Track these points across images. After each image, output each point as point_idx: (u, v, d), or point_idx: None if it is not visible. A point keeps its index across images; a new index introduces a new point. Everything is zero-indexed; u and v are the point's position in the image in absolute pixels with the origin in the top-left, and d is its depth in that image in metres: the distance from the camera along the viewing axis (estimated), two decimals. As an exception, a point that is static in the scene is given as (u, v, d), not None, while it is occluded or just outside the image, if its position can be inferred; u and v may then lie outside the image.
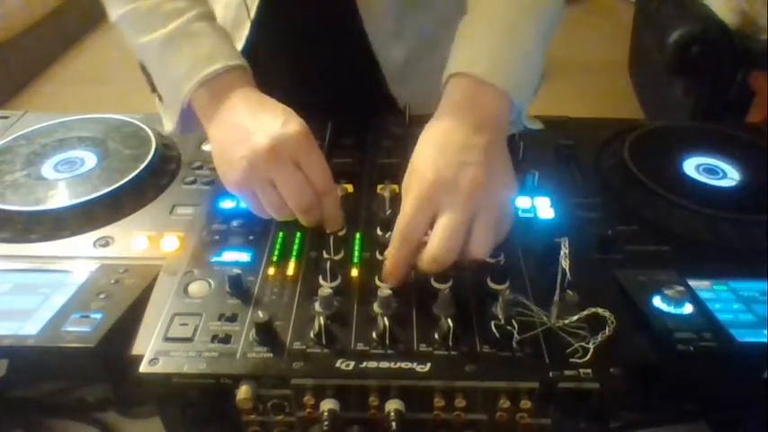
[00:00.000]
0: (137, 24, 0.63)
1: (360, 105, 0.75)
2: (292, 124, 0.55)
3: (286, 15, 0.81)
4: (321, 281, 0.52)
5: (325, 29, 0.81)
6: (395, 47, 0.81)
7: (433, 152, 0.51)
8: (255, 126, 0.55)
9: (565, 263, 0.51)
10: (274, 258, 0.55)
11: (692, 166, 0.69)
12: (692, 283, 0.52)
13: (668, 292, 0.49)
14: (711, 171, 0.68)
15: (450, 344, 0.47)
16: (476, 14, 0.60)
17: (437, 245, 0.48)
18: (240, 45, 0.79)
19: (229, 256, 0.56)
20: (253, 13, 0.77)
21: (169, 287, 0.53)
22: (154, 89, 0.66)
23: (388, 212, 0.60)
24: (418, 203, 0.49)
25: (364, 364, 0.45)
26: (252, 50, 0.77)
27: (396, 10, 0.79)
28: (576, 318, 0.47)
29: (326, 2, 0.79)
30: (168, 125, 0.66)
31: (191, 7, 0.62)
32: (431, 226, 0.50)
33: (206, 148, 0.72)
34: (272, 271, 0.54)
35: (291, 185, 0.54)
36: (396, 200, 0.61)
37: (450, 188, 0.49)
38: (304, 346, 0.47)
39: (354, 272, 0.54)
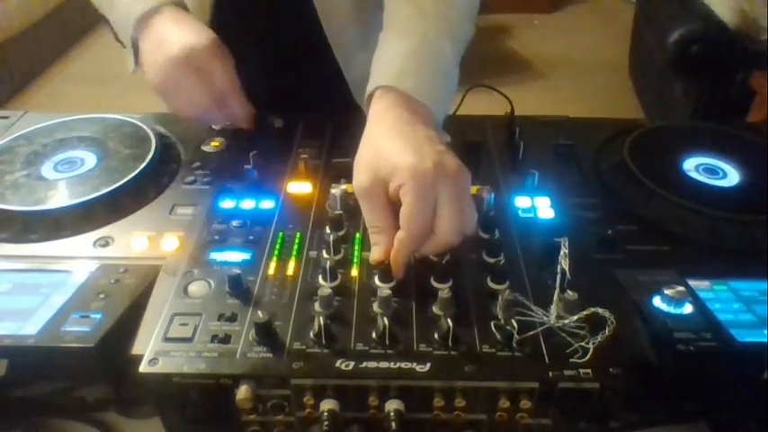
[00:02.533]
0: None
1: (323, 113, 0.77)
2: (204, 35, 0.67)
3: (245, 23, 0.82)
4: (321, 281, 0.52)
5: (287, 37, 0.83)
6: (359, 57, 0.81)
7: (412, 145, 0.52)
8: (172, 36, 0.66)
9: (565, 263, 0.51)
10: (274, 258, 0.55)
11: (692, 166, 0.69)
12: (692, 283, 0.52)
13: (668, 292, 0.49)
14: (711, 171, 0.68)
15: (450, 344, 0.47)
16: (396, 30, 0.64)
17: (448, 230, 0.50)
18: None
19: (229, 255, 0.56)
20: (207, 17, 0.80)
21: (169, 287, 0.53)
22: (117, 38, 0.73)
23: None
24: (422, 198, 0.49)
25: (364, 364, 0.45)
26: None
27: (358, 18, 0.80)
28: (575, 318, 0.47)
29: (287, 10, 0.81)
30: (130, 65, 0.72)
31: None
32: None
33: (206, 148, 0.73)
34: (271, 271, 0.54)
35: (199, 84, 0.66)
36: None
37: (444, 176, 0.50)
38: (304, 346, 0.47)
39: (354, 272, 0.54)
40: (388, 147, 0.52)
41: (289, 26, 0.83)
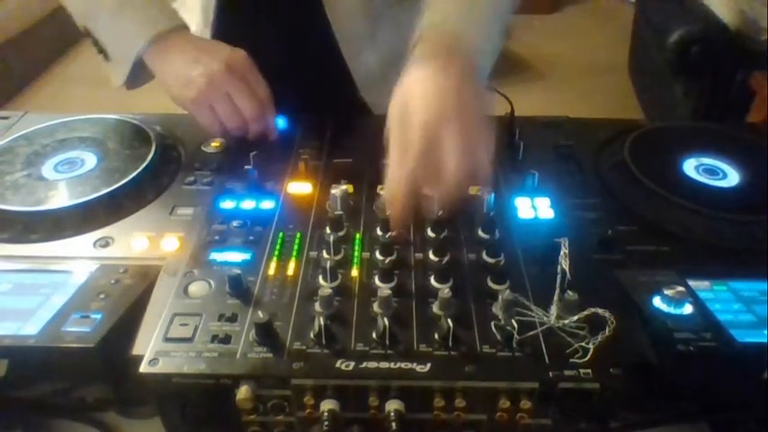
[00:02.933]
0: None
1: (328, 112, 0.77)
2: (237, 50, 0.69)
3: (249, 23, 0.82)
4: (321, 281, 0.52)
5: (293, 32, 0.83)
6: (367, 53, 0.82)
7: (434, 98, 0.55)
8: (207, 53, 0.68)
9: (565, 263, 0.51)
10: (274, 258, 0.55)
11: (691, 166, 0.69)
12: (692, 283, 0.52)
13: (668, 292, 0.49)
14: (711, 171, 0.68)
15: (450, 344, 0.47)
16: None
17: (457, 168, 0.52)
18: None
19: (229, 256, 0.56)
20: (212, 17, 0.81)
21: (169, 287, 0.53)
22: (99, 50, 0.73)
23: (388, 212, 0.60)
24: (425, 143, 0.52)
25: (364, 364, 0.45)
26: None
27: (366, 14, 0.80)
28: (576, 318, 0.47)
29: (294, 6, 0.82)
30: (118, 80, 0.73)
31: None
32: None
33: (206, 148, 0.73)
34: (272, 271, 0.54)
35: (245, 96, 0.67)
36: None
37: (450, 123, 0.53)
38: (304, 346, 0.47)
39: (354, 272, 0.54)
40: (415, 97, 0.55)
41: (295, 22, 0.83)
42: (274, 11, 0.83)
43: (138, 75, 0.72)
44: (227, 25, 0.82)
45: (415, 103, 0.55)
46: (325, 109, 0.76)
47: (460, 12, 0.64)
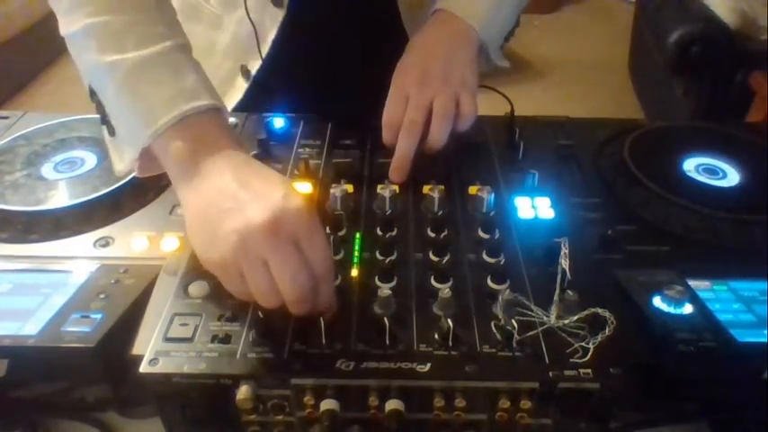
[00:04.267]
0: (107, 40, 0.54)
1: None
2: (294, 197, 0.47)
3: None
4: (321, 281, 0.52)
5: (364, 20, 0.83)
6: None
7: (419, 58, 0.67)
8: (250, 194, 0.47)
9: (565, 263, 0.51)
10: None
11: (691, 166, 0.69)
12: (692, 283, 0.52)
13: (668, 292, 0.49)
14: (711, 171, 0.68)
15: (450, 344, 0.47)
16: None
17: (442, 107, 0.63)
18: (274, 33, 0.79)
19: (229, 256, 0.55)
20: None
21: (169, 287, 0.53)
22: (104, 120, 0.57)
23: (388, 212, 0.60)
24: (419, 96, 0.63)
25: (364, 364, 0.45)
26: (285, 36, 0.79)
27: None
28: (576, 318, 0.47)
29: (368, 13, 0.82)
30: (120, 164, 0.58)
31: (170, 36, 0.54)
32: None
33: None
34: (272, 271, 0.54)
35: (290, 270, 0.45)
36: (396, 200, 0.61)
37: (438, 78, 0.64)
38: (304, 346, 0.47)
39: (354, 272, 0.54)
40: (409, 65, 0.67)
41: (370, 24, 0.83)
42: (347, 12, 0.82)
43: (152, 162, 0.54)
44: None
45: (410, 68, 0.66)
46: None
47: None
